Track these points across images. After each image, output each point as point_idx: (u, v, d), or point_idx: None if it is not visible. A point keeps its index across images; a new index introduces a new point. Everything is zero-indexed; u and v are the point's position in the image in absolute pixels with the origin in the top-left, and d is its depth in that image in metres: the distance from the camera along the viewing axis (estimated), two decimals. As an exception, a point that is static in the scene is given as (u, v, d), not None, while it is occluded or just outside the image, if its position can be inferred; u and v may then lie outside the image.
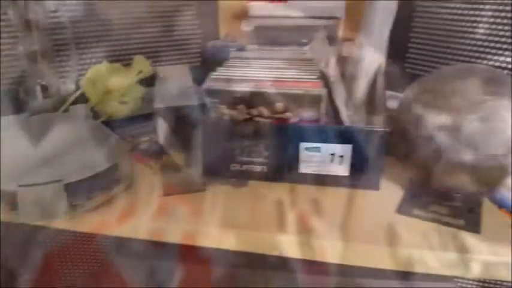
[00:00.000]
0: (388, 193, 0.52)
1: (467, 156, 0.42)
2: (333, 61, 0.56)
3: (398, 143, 0.47)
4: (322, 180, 0.53)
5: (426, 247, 0.42)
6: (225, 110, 0.51)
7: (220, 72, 0.53)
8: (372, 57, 0.65)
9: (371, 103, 0.64)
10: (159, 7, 0.82)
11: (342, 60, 0.75)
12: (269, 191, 0.53)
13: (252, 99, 0.48)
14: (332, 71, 0.51)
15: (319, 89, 0.46)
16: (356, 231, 0.45)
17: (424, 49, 0.78)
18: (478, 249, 0.42)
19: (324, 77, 0.49)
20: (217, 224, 0.47)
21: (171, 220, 0.47)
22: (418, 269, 0.43)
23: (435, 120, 0.43)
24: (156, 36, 0.83)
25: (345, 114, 0.52)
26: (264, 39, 0.72)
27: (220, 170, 0.55)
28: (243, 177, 0.55)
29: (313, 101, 0.47)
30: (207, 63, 0.84)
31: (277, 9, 0.71)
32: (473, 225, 0.45)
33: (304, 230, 0.45)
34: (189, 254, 0.57)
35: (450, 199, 0.48)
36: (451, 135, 0.42)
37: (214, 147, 0.53)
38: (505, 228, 0.45)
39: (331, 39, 0.71)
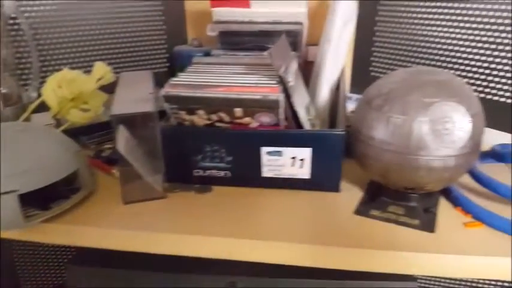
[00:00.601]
0: (348, 195, 0.53)
1: (418, 157, 0.43)
2: (294, 66, 0.56)
3: (354, 144, 0.48)
4: (284, 183, 0.54)
5: (380, 247, 0.43)
6: (185, 116, 0.51)
7: (180, 78, 0.53)
8: (334, 62, 0.66)
9: (334, 106, 0.65)
10: (124, 12, 0.81)
11: (307, 65, 0.76)
12: (233, 195, 0.53)
13: (212, 105, 0.48)
14: (292, 75, 0.51)
15: (276, 94, 0.46)
16: (314, 233, 0.46)
17: (387, 52, 0.80)
18: (430, 247, 0.43)
19: (283, 82, 0.49)
20: (177, 231, 0.47)
21: (130, 228, 0.47)
22: (372, 268, 0.43)
23: (385, 121, 0.44)
24: (122, 41, 0.83)
25: (304, 118, 0.52)
26: (229, 44, 0.72)
27: (183, 176, 0.55)
28: (207, 182, 0.55)
29: (271, 105, 0.47)
30: (174, 68, 0.84)
31: (241, 15, 0.71)
32: (428, 225, 0.46)
33: (265, 234, 0.45)
34: (150, 261, 0.56)
35: (407, 199, 0.49)
36: (401, 137, 0.43)
37: (175, 154, 0.53)
38: (458, 227, 0.47)
39: (295, 44, 0.72)
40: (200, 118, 0.50)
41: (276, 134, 0.51)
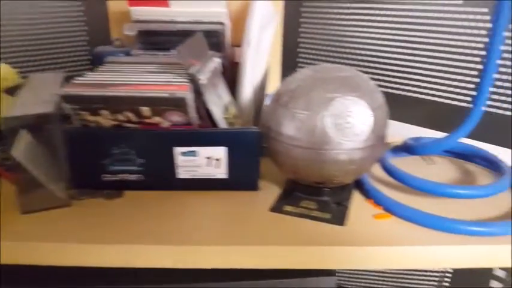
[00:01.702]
0: (267, 193, 0.53)
1: (323, 151, 0.43)
2: (211, 65, 0.55)
3: (267, 142, 0.48)
4: (201, 184, 0.52)
5: (292, 243, 0.43)
6: (89, 117, 0.48)
7: (86, 77, 0.50)
8: (255, 62, 0.66)
9: (259, 106, 0.65)
10: (44, 13, 0.77)
11: (234, 66, 0.76)
12: (146, 199, 0.51)
13: (115, 104, 0.46)
14: (206, 74, 0.50)
15: (184, 92, 0.45)
16: (228, 233, 0.44)
17: (312, 53, 0.81)
18: (340, 240, 0.43)
19: (194, 80, 0.48)
20: (83, 240, 0.44)
21: (31, 239, 0.43)
22: (281, 265, 0.43)
23: (291, 117, 0.44)
24: (42, 43, 0.78)
25: (219, 117, 0.51)
26: (148, 44, 0.70)
27: (92, 182, 0.52)
28: (118, 187, 0.52)
29: (179, 104, 0.46)
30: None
31: (160, 14, 0.69)
32: (339, 218, 0.47)
33: (179, 238, 0.44)
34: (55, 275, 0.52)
35: (319, 194, 0.49)
36: (306, 132, 0.43)
37: (81, 158, 0.50)
38: (369, 219, 0.47)
39: (218, 45, 0.71)
40: (105, 119, 0.48)
41: (188, 134, 0.49)
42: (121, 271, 0.46)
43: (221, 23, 0.69)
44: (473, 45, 0.59)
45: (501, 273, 0.81)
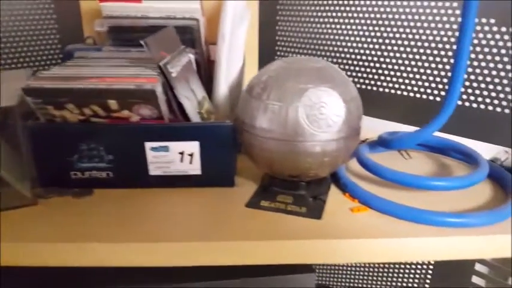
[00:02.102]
0: (243, 189, 0.52)
1: (296, 143, 0.42)
2: (183, 59, 0.54)
3: (241, 136, 0.46)
4: (174, 181, 0.51)
5: (267, 238, 0.41)
6: (54, 111, 0.46)
7: (50, 71, 0.48)
8: (230, 59, 0.65)
9: (235, 103, 0.64)
10: (14, 10, 0.74)
11: (211, 64, 0.75)
12: (117, 198, 0.49)
13: (82, 98, 0.44)
14: (177, 67, 0.49)
15: (152, 84, 0.43)
16: (202, 230, 0.43)
17: (288, 51, 0.80)
18: (316, 234, 0.42)
19: (164, 73, 0.46)
20: (48, 239, 0.41)
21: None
22: (257, 261, 0.42)
23: (264, 109, 0.42)
24: (14, 41, 0.75)
25: (192, 111, 0.50)
26: (120, 41, 0.68)
27: (60, 180, 0.50)
28: (88, 185, 0.50)
29: (148, 97, 0.44)
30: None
31: (132, 10, 0.67)
32: (315, 212, 0.46)
33: (152, 235, 0.42)
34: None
35: (295, 188, 0.48)
36: (279, 124, 0.42)
37: (48, 155, 0.48)
38: (345, 212, 0.47)
39: (193, 41, 0.69)
40: (72, 113, 0.46)
41: (159, 128, 0.48)
42: (108, 271, 0.44)
43: (195, 19, 0.68)
44: (446, 39, 0.60)
45: (483, 269, 0.82)
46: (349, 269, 0.90)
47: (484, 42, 0.56)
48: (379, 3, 0.65)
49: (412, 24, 0.62)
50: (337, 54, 0.73)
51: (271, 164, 0.45)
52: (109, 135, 0.47)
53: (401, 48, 0.65)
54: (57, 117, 0.47)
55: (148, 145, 0.48)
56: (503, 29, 0.54)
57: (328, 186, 0.52)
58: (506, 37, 0.54)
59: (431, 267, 0.83)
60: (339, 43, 0.73)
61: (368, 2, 0.66)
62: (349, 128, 0.43)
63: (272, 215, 0.46)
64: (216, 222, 0.44)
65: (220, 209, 0.47)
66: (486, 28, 0.55)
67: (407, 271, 0.86)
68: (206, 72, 0.73)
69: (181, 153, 0.49)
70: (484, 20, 0.55)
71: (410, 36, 0.63)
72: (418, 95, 0.65)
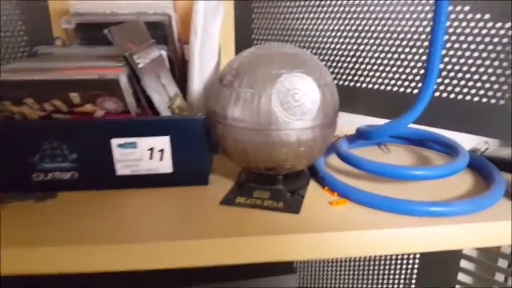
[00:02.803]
0: (218, 187, 0.49)
1: (270, 132, 0.40)
2: (153, 53, 0.52)
3: (213, 128, 0.44)
4: (144, 180, 0.48)
5: (242, 234, 0.39)
6: (12, 107, 0.43)
7: (8, 66, 0.45)
8: (204, 55, 0.63)
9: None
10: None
11: (186, 64, 0.72)
12: (82, 200, 0.46)
13: (41, 91, 0.41)
14: (145, 59, 0.46)
15: (115, 73, 0.41)
16: (174, 229, 0.40)
17: (266, 34, 0.79)
18: (295, 229, 0.40)
19: (129, 64, 0.44)
20: (7, 244, 0.38)
21: None
22: (233, 259, 0.39)
23: (236, 97, 0.40)
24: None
25: (161, 105, 0.47)
26: (89, 40, 0.65)
27: (21, 182, 0.46)
28: (51, 188, 0.47)
29: (112, 87, 0.41)
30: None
31: (102, 6, 0.65)
32: (294, 207, 0.44)
33: (117, 238, 0.39)
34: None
35: (272, 183, 0.46)
36: (251, 112, 0.40)
37: (6, 156, 0.45)
38: (324, 206, 0.45)
39: (165, 38, 0.67)
40: (31, 109, 0.43)
41: (125, 123, 0.45)
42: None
43: (166, 15, 0.66)
44: (421, 29, 0.59)
45: (469, 266, 0.80)
46: (331, 267, 0.88)
47: (459, 31, 0.55)
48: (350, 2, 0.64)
49: (387, 16, 0.61)
50: (314, 51, 0.72)
51: (245, 156, 0.43)
52: (72, 132, 0.44)
53: (377, 42, 0.64)
54: (16, 114, 0.44)
55: (115, 142, 0.45)
56: (478, 16, 0.53)
57: (307, 180, 0.50)
58: (480, 24, 0.53)
59: (416, 266, 0.82)
60: (315, 39, 0.71)
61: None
62: (324, 116, 0.42)
63: (248, 211, 0.44)
64: (188, 221, 0.41)
65: (193, 208, 0.44)
66: (461, 16, 0.54)
67: (392, 271, 0.85)
68: (181, 70, 0.71)
69: (151, 149, 0.46)
70: (458, 8, 0.55)
71: (385, 28, 0.62)
72: (395, 89, 0.64)
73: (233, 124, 0.41)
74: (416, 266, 0.82)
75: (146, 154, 0.47)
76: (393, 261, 0.84)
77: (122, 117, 0.45)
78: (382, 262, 0.85)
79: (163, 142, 0.46)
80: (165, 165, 0.48)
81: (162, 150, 0.47)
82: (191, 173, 0.48)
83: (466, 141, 0.57)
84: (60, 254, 0.38)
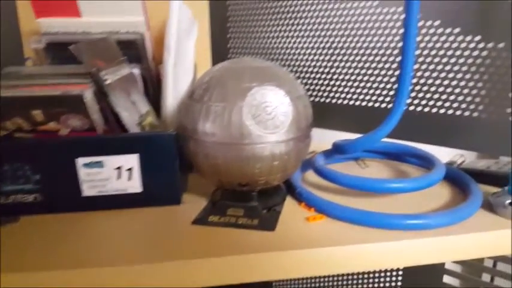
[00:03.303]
0: (192, 206, 0.47)
1: (242, 146, 0.38)
2: (123, 71, 0.50)
3: (183, 144, 0.43)
4: (112, 202, 0.46)
5: (210, 255, 0.37)
6: (-32, 127, 0.40)
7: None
8: (178, 72, 0.62)
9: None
10: None
11: (160, 84, 0.71)
12: (46, 224, 0.43)
13: (3, 109, 0.39)
14: (113, 76, 0.45)
15: (80, 89, 0.39)
16: (143, 251, 0.38)
17: (242, 52, 0.78)
18: (269, 247, 0.38)
19: (96, 80, 0.42)
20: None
21: None
22: (205, 282, 0.37)
23: (206, 111, 0.39)
24: None
25: (130, 122, 0.46)
26: (60, 59, 0.63)
27: (-22, 206, 0.43)
28: (13, 212, 0.44)
29: (76, 105, 0.40)
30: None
31: (73, 25, 0.64)
32: (269, 224, 0.42)
33: (80, 264, 0.36)
34: None
35: (247, 200, 0.44)
36: (222, 126, 0.38)
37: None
38: (301, 222, 0.43)
39: (138, 57, 0.66)
40: (-10, 128, 0.41)
41: (91, 141, 0.43)
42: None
43: (139, 33, 0.65)
44: (393, 45, 0.59)
45: (455, 267, 0.79)
46: (311, 284, 0.85)
47: (430, 45, 0.56)
48: (325, 14, 0.65)
49: (359, 33, 0.62)
50: (289, 68, 0.72)
51: (218, 172, 0.42)
52: (35, 151, 0.42)
53: (351, 58, 0.64)
54: (-27, 133, 0.41)
55: (80, 161, 0.43)
56: (448, 30, 0.54)
57: (284, 197, 0.48)
58: (451, 38, 0.54)
59: (400, 272, 0.80)
60: (290, 56, 0.71)
61: (315, 14, 0.66)
62: (298, 129, 0.41)
63: (222, 230, 0.42)
64: (158, 243, 0.39)
65: (164, 229, 0.42)
66: (432, 31, 0.55)
67: (376, 274, 0.83)
68: (155, 90, 0.69)
69: (119, 168, 0.44)
70: (429, 23, 0.55)
71: (358, 45, 0.63)
72: (370, 104, 0.63)
73: (204, 139, 0.40)
74: (400, 272, 0.81)
75: (114, 173, 0.44)
76: (376, 276, 0.83)
77: (87, 134, 0.43)
78: (366, 276, 0.83)
79: (131, 160, 0.44)
80: (134, 185, 0.45)
81: (130, 169, 0.45)
82: (162, 193, 0.46)
83: (443, 155, 0.57)
84: (22, 281, 0.35)
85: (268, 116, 0.39)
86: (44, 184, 0.44)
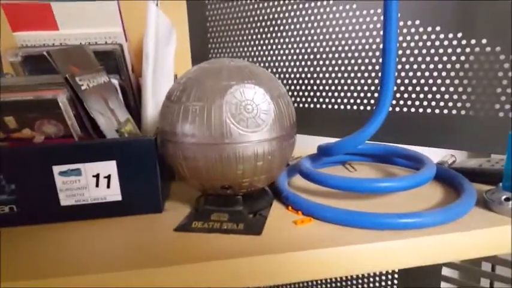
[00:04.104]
0: (174, 214, 0.45)
1: (223, 146, 0.37)
2: (100, 78, 0.49)
3: (163, 148, 0.41)
4: (91, 211, 0.44)
5: (193, 261, 0.35)
6: None
7: None
8: (157, 78, 0.61)
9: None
10: None
11: (140, 95, 0.70)
12: (22, 236, 0.41)
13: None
14: (89, 82, 0.44)
15: (53, 94, 0.38)
16: (123, 259, 0.36)
17: (222, 52, 0.77)
18: (256, 251, 0.36)
19: (71, 85, 0.41)
20: None
21: None
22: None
23: (185, 112, 0.38)
24: None
25: (107, 128, 0.44)
26: (37, 72, 0.62)
27: None
28: (-15, 225, 0.42)
29: (49, 109, 0.38)
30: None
31: (50, 38, 0.63)
32: (255, 228, 0.40)
33: (59, 273, 0.34)
34: None
35: (231, 204, 0.42)
36: (202, 126, 0.37)
37: None
38: (288, 225, 0.41)
39: (118, 68, 0.65)
40: (-41, 137, 0.39)
41: (67, 148, 0.41)
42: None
43: (118, 44, 0.64)
44: (375, 47, 0.59)
45: (452, 273, 0.77)
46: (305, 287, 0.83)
47: (412, 44, 0.55)
48: (306, 18, 0.65)
49: (340, 36, 0.62)
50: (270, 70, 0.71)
51: (199, 175, 0.40)
52: (9, 160, 0.40)
53: (333, 62, 0.64)
54: None
55: (56, 169, 0.41)
56: (429, 29, 0.54)
57: (270, 201, 0.47)
58: (433, 36, 0.54)
59: (395, 281, 0.78)
60: (272, 63, 0.71)
61: (295, 20, 0.66)
62: (281, 128, 0.39)
63: (207, 236, 0.40)
64: (139, 250, 0.37)
65: (146, 237, 0.40)
66: (413, 30, 0.55)
67: (371, 284, 0.80)
68: (136, 100, 0.68)
69: (96, 176, 0.43)
70: (409, 23, 0.55)
71: (339, 48, 0.62)
72: (355, 107, 0.63)
73: (183, 140, 0.38)
74: (395, 281, 0.79)
75: (92, 181, 0.43)
76: (371, 280, 0.80)
77: (63, 141, 0.41)
78: (360, 281, 0.81)
79: (109, 167, 0.42)
80: (113, 193, 0.44)
81: (108, 177, 0.43)
82: (143, 200, 0.45)
83: (433, 156, 0.56)
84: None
85: (249, 115, 0.37)
86: (20, 194, 0.42)
